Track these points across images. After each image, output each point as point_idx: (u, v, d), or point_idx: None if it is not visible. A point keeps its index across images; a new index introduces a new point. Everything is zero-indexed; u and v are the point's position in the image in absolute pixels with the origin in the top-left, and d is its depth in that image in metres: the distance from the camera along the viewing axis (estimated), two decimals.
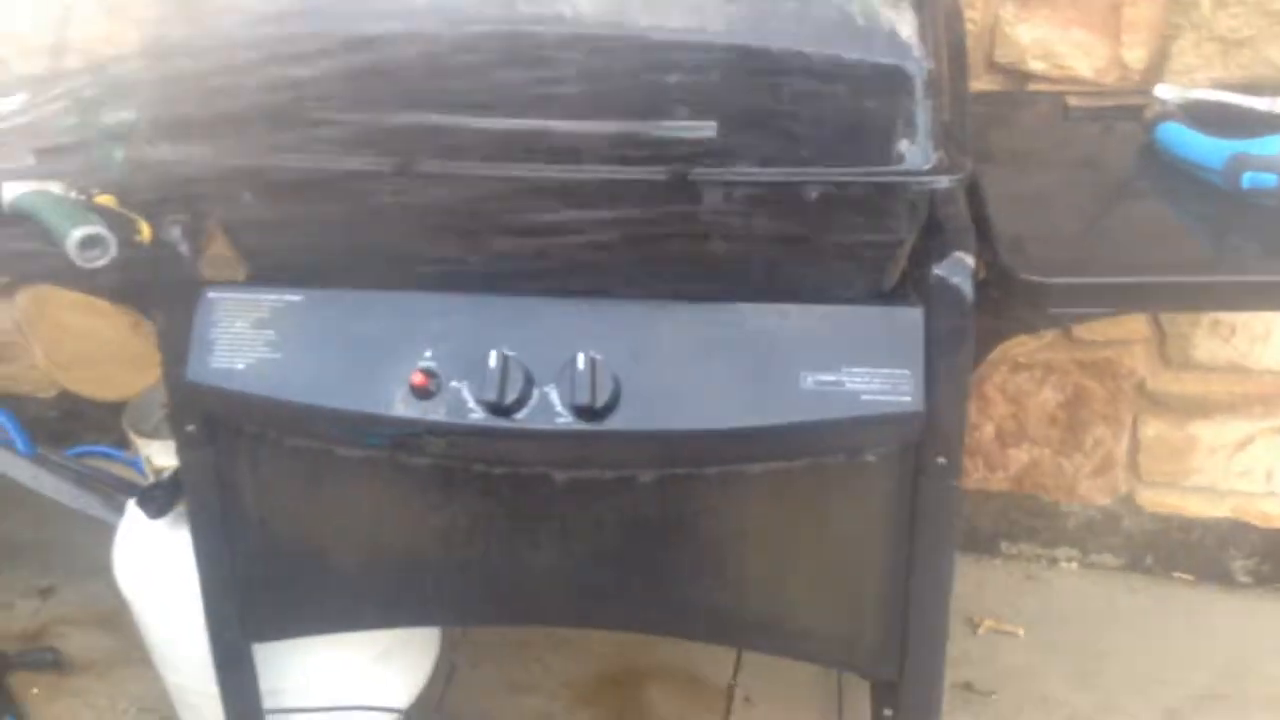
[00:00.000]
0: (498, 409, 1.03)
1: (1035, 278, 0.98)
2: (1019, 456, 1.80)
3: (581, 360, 1.03)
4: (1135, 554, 1.86)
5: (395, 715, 1.50)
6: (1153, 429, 1.75)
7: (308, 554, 1.20)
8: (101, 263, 1.02)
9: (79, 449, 1.85)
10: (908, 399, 1.01)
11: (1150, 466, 1.78)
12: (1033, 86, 1.53)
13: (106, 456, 1.86)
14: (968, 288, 0.99)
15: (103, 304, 1.90)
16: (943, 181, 0.93)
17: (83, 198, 1.10)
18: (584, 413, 1.03)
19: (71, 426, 2.10)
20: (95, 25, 1.36)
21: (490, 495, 1.13)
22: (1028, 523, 1.87)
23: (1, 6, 1.29)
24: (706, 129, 0.91)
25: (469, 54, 0.93)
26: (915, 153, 0.93)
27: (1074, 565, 1.89)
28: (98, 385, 2.06)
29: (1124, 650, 1.72)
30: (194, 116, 0.99)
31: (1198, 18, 1.44)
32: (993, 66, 1.54)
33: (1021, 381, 1.74)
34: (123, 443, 1.86)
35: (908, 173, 0.93)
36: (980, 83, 1.50)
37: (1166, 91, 1.22)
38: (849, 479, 1.08)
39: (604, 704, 1.67)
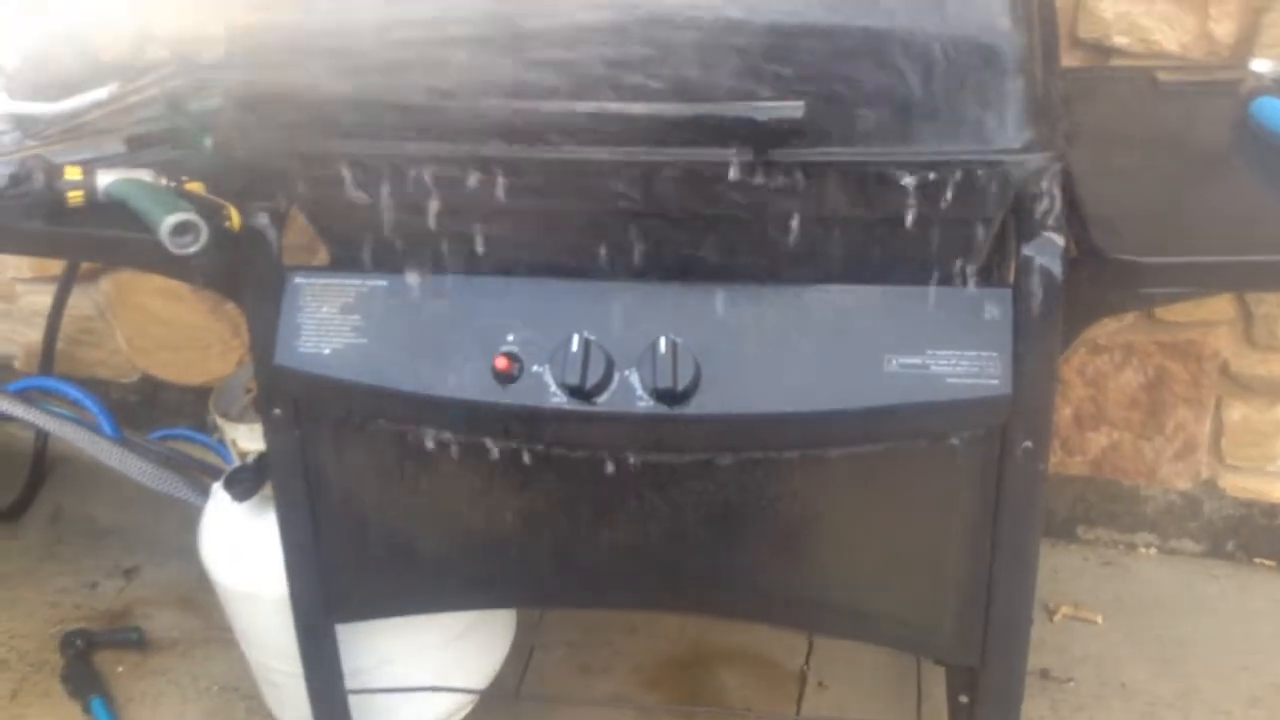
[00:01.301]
0: (579, 393, 1.04)
1: (1128, 257, 0.96)
2: (1098, 440, 1.77)
3: (663, 344, 1.03)
4: (1216, 540, 1.83)
5: (472, 696, 1.51)
6: (1237, 412, 1.71)
7: (391, 536, 1.22)
8: (193, 249, 1.04)
9: (161, 432, 1.89)
10: (995, 382, 1.00)
11: (1234, 450, 1.74)
12: (1116, 62, 1.50)
13: (188, 439, 1.89)
14: (1057, 268, 0.97)
15: (183, 289, 1.96)
16: (1036, 161, 0.91)
17: (173, 185, 1.12)
18: (665, 396, 1.03)
19: (152, 410, 2.15)
20: (178, 16, 1.38)
21: (570, 479, 1.14)
22: (1106, 508, 1.85)
23: None
24: (794, 109, 0.90)
25: (551, 38, 0.93)
26: (1006, 131, 0.92)
27: (1153, 551, 1.86)
28: (178, 369, 2.10)
29: (1205, 638, 1.69)
30: (282, 104, 1.00)
31: None
32: (1076, 42, 1.51)
33: (1101, 364, 1.71)
34: (202, 426, 1.90)
35: (1000, 152, 0.91)
36: (1063, 59, 1.48)
37: (1262, 65, 1.19)
38: (932, 463, 1.07)
39: (676, 687, 1.67)
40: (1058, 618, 1.74)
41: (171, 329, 2.05)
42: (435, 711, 1.50)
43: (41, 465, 2.06)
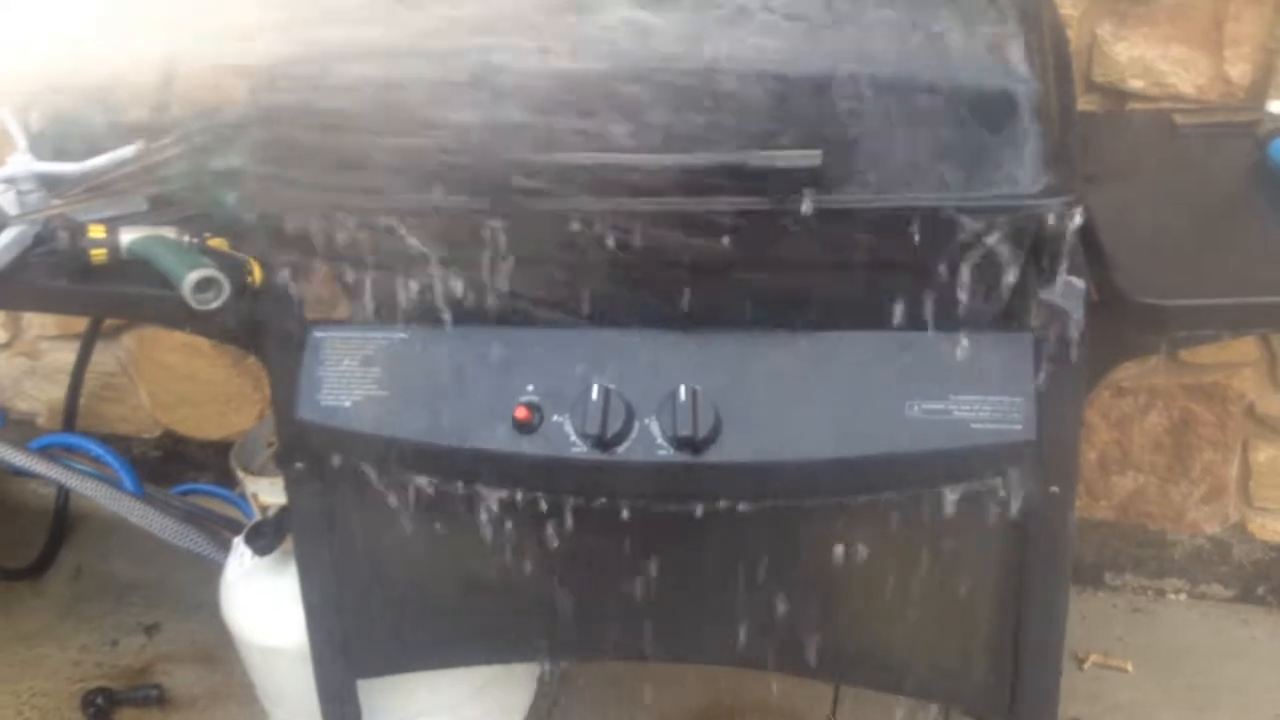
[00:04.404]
0: (599, 442, 1.03)
1: (1151, 300, 0.96)
2: (1123, 484, 1.75)
3: (682, 392, 1.02)
4: (1247, 584, 1.80)
5: None
6: (1264, 454, 1.69)
7: (412, 590, 1.21)
8: (215, 304, 1.05)
9: (183, 487, 1.89)
10: (1018, 427, 0.99)
11: (1262, 493, 1.72)
12: (1132, 105, 1.51)
13: (210, 494, 1.90)
14: (1079, 311, 0.97)
15: (205, 344, 1.96)
16: (1054, 205, 0.91)
17: (195, 241, 1.13)
18: (685, 445, 1.02)
19: (174, 466, 2.15)
20: (200, 74, 1.40)
21: (591, 529, 1.13)
22: (1133, 553, 1.82)
23: (110, 57, 1.33)
24: (811, 158, 0.90)
25: (568, 91, 0.94)
26: (1024, 176, 0.92)
27: (1183, 597, 1.83)
28: (200, 424, 2.11)
29: (1237, 685, 1.66)
30: (303, 161, 1.01)
31: None
32: (1091, 86, 1.51)
33: (1125, 406, 1.69)
34: (224, 481, 1.90)
35: (1018, 196, 0.91)
36: (1079, 103, 1.48)
37: (1279, 107, 1.19)
38: (957, 509, 1.06)
39: None
40: (1088, 666, 1.71)
41: (193, 384, 2.05)
42: None
43: (63, 522, 2.06)
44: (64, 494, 2.02)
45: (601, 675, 1.72)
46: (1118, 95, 1.51)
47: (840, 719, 1.65)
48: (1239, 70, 1.45)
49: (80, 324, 1.95)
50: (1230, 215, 1.12)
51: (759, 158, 0.91)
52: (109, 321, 1.96)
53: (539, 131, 0.95)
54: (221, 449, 1.95)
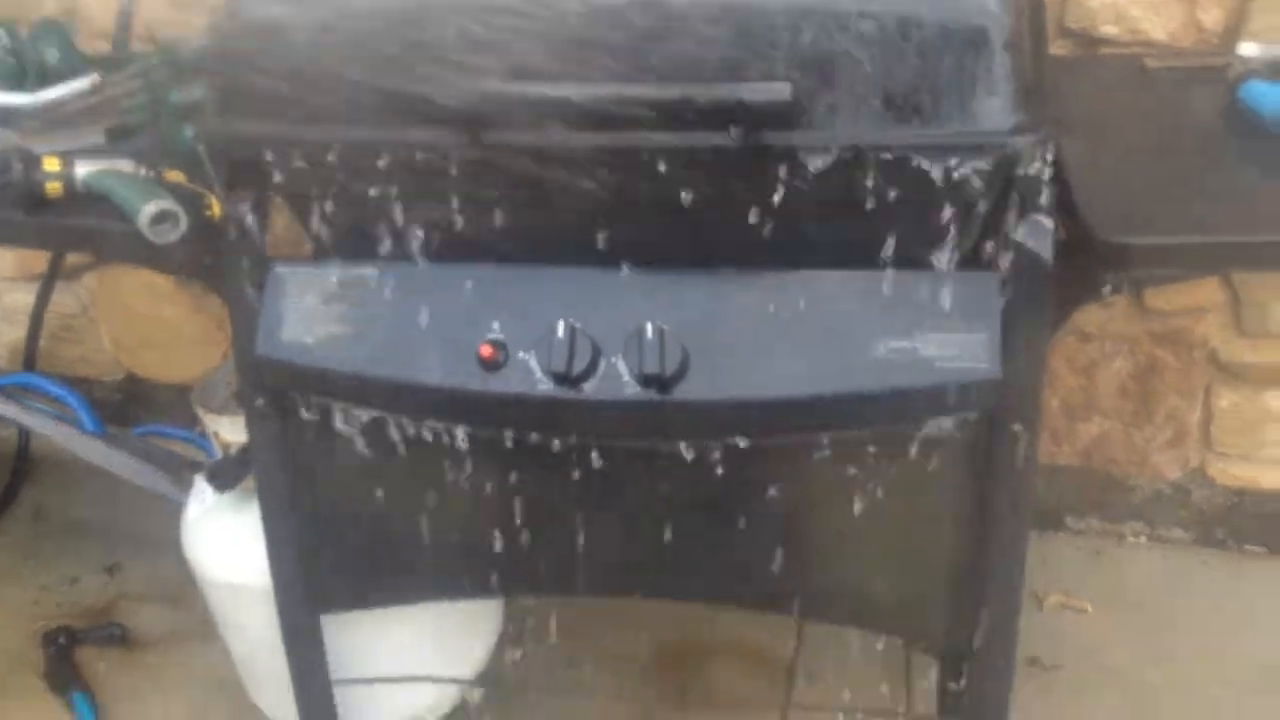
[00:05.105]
0: (565, 379, 1.03)
1: (1117, 239, 0.96)
2: (1088, 429, 1.77)
3: (649, 330, 1.02)
4: (1206, 528, 1.83)
5: (458, 687, 1.50)
6: (1226, 400, 1.71)
7: (375, 526, 1.21)
8: (172, 237, 1.03)
9: (144, 428, 1.87)
10: (984, 365, 0.99)
11: (1223, 438, 1.74)
12: (1105, 51, 1.50)
13: (171, 436, 1.88)
14: (1046, 250, 0.97)
15: (167, 287, 1.94)
16: (1025, 143, 0.91)
17: (153, 174, 1.11)
18: (652, 382, 1.02)
19: (136, 408, 2.13)
20: (159, 8, 1.37)
21: (557, 467, 1.13)
22: (1095, 497, 1.85)
23: None
24: (780, 91, 0.89)
25: (533, 20, 0.93)
26: (996, 113, 0.91)
27: (1143, 540, 1.86)
28: (161, 367, 2.09)
29: (1195, 625, 1.69)
30: (261, 92, 0.99)
31: None
32: (1064, 32, 1.51)
33: (1091, 352, 1.71)
34: (185, 422, 1.89)
35: (989, 134, 0.91)
36: (1051, 49, 1.47)
37: (1250, 50, 1.19)
38: (922, 448, 1.06)
39: (665, 679, 1.67)
40: (1047, 606, 1.74)
41: (156, 326, 2.03)
42: (421, 702, 1.49)
43: (23, 463, 2.04)
44: (24, 435, 2.00)
45: (566, 614, 1.73)
46: (1090, 41, 1.51)
47: (803, 659, 1.67)
48: (1212, 16, 1.45)
49: (40, 265, 1.92)
50: (1200, 157, 1.12)
51: (727, 90, 0.90)
52: (69, 262, 1.94)
53: (503, 64, 0.93)
54: (184, 392, 1.93)
